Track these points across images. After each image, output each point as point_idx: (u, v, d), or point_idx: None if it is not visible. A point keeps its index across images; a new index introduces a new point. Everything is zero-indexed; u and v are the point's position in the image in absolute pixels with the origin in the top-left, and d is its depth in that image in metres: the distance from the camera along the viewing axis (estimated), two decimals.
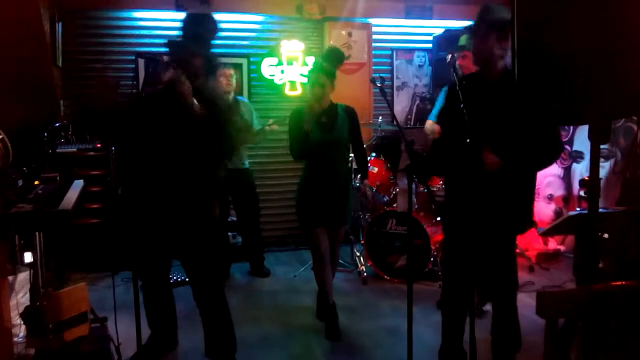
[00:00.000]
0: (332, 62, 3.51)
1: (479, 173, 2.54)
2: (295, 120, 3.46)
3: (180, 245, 2.98)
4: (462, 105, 2.50)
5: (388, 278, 4.61)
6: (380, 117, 5.20)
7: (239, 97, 4.84)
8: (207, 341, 3.07)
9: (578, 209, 4.84)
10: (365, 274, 4.68)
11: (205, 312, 3.03)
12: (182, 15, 2.95)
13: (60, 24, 4.81)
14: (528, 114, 2.54)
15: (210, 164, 2.94)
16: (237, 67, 5.19)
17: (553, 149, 2.67)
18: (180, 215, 2.91)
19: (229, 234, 5.14)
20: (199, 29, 2.86)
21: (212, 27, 2.91)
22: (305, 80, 5.68)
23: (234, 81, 4.56)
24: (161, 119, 2.82)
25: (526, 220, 2.83)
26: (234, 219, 5.05)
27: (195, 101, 2.76)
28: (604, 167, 4.82)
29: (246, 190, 4.81)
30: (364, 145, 3.81)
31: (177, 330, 3.31)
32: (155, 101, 2.89)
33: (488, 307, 3.74)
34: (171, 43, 2.89)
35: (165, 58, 2.82)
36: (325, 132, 3.45)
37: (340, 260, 4.84)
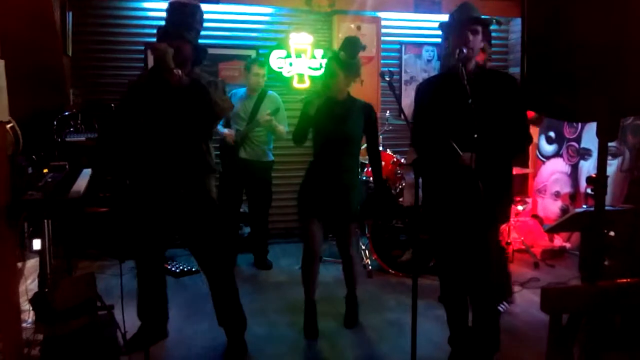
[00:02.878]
0: (348, 52, 3.32)
1: (461, 168, 2.60)
2: (306, 107, 3.34)
3: (181, 226, 3.02)
4: (470, 101, 2.52)
5: (393, 272, 4.62)
6: (388, 112, 5.20)
7: (269, 91, 4.86)
8: (219, 316, 3.17)
9: (585, 206, 4.83)
10: (370, 267, 4.70)
11: (216, 292, 3.10)
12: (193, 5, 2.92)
13: (70, 13, 4.83)
14: (513, 106, 2.62)
15: (199, 134, 2.94)
16: (245, 59, 5.19)
17: (523, 139, 2.75)
18: (174, 194, 2.93)
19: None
20: (188, 18, 2.85)
21: (200, 18, 2.92)
22: (313, 72, 5.68)
23: (264, 80, 4.79)
24: (150, 101, 2.85)
25: (502, 214, 2.83)
26: (246, 210, 5.08)
27: (179, 71, 2.74)
28: (612, 165, 4.80)
29: (261, 182, 4.84)
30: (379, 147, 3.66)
31: (167, 321, 3.33)
32: (143, 87, 2.91)
33: (501, 307, 3.77)
34: (160, 31, 2.89)
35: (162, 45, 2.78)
36: (336, 125, 3.34)
37: None
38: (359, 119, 3.38)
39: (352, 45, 3.32)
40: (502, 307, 3.77)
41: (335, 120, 3.33)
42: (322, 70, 3.41)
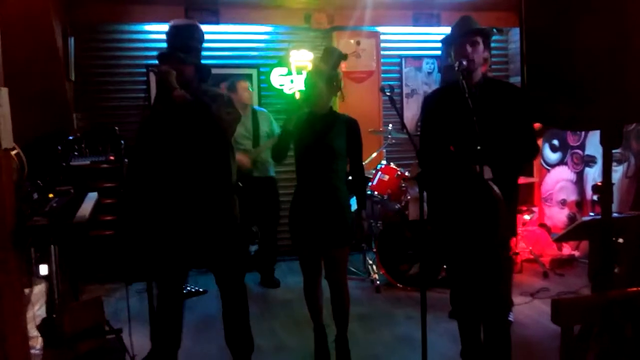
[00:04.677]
0: (328, 63, 3.14)
1: (472, 180, 2.56)
2: (286, 125, 3.16)
3: (205, 248, 2.99)
4: (472, 113, 2.52)
5: (401, 286, 4.59)
6: (390, 125, 5.21)
7: (256, 107, 4.90)
8: (228, 337, 3.13)
9: (592, 213, 4.80)
10: (378, 282, 4.67)
11: (228, 313, 3.07)
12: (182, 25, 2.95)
13: (72, 38, 4.88)
14: (520, 117, 2.61)
15: (215, 152, 2.93)
16: (247, 77, 5.23)
17: (531, 151, 2.75)
18: (200, 218, 2.92)
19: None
20: (189, 40, 2.88)
21: (200, 37, 2.95)
22: None
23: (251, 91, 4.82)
24: (166, 129, 2.86)
25: (509, 228, 2.77)
26: (255, 228, 5.09)
27: (181, 90, 2.75)
28: (617, 171, 4.78)
29: (269, 199, 4.85)
30: (364, 163, 3.45)
31: (179, 347, 3.29)
32: (152, 118, 2.92)
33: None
34: (162, 55, 2.92)
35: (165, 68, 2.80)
36: (316, 139, 3.10)
37: (352, 269, 4.85)
38: (341, 134, 3.15)
39: (331, 55, 3.17)
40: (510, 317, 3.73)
41: (317, 136, 3.11)
42: (303, 84, 3.27)
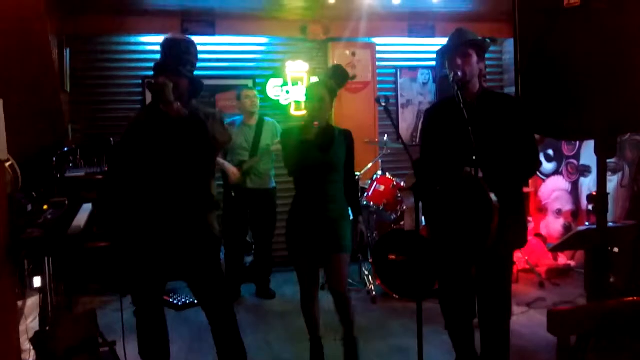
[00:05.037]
0: (336, 80, 3.28)
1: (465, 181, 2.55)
2: (288, 137, 3.23)
3: (182, 264, 2.98)
4: (468, 124, 2.53)
5: (397, 297, 4.58)
6: (386, 135, 5.22)
7: (266, 118, 4.90)
8: (219, 350, 3.08)
9: (587, 223, 4.81)
10: (374, 293, 4.65)
11: (216, 327, 3.04)
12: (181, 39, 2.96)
13: (68, 49, 4.89)
14: (520, 129, 2.61)
15: (200, 169, 2.92)
16: (243, 88, 5.24)
17: (533, 162, 2.73)
18: (177, 232, 2.91)
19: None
20: (183, 53, 2.88)
21: (196, 52, 2.95)
22: None
23: (257, 101, 4.77)
24: (150, 138, 2.85)
25: (518, 237, 2.77)
26: (250, 239, 5.07)
27: (178, 103, 2.75)
28: (612, 181, 4.79)
29: (265, 210, 4.84)
30: (358, 175, 3.54)
31: (169, 359, 3.27)
32: (142, 125, 2.92)
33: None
34: (159, 66, 2.92)
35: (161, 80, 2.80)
36: (320, 153, 3.17)
37: (349, 280, 4.82)
38: (341, 146, 3.24)
39: (342, 75, 3.30)
40: None
41: (319, 149, 3.18)
42: (306, 96, 3.30)
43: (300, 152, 3.15)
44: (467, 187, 2.57)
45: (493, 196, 2.42)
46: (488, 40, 2.79)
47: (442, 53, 2.82)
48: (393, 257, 4.58)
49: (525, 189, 5.38)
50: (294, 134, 3.18)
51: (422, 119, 2.95)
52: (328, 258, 3.21)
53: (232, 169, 4.65)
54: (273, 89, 5.68)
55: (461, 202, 2.60)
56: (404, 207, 4.78)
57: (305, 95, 3.29)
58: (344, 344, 3.35)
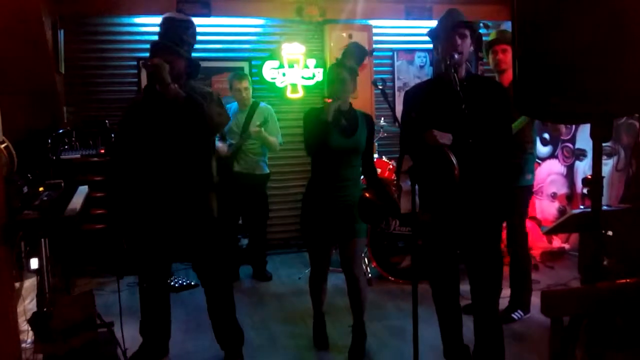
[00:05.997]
0: (354, 59, 3.21)
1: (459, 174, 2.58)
2: (312, 117, 3.14)
3: (183, 243, 3.02)
4: (463, 106, 2.53)
5: (393, 279, 4.61)
6: (382, 119, 5.21)
7: (261, 103, 4.86)
8: (216, 332, 3.17)
9: (582, 207, 4.84)
10: (370, 275, 4.68)
11: (214, 308, 3.10)
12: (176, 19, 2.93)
13: (62, 31, 4.84)
14: (500, 112, 2.64)
15: (198, 149, 2.94)
16: (239, 70, 5.21)
17: (507, 143, 2.77)
18: (177, 212, 2.94)
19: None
20: (182, 33, 2.86)
21: (194, 33, 2.94)
22: (306, 82, 5.69)
23: (249, 91, 4.75)
24: (149, 119, 2.87)
25: (503, 208, 2.88)
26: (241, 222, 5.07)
27: (175, 85, 2.74)
28: (607, 165, 4.81)
29: (256, 195, 4.83)
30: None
31: (169, 339, 3.30)
32: (140, 106, 2.92)
33: (516, 314, 3.76)
34: (156, 46, 2.90)
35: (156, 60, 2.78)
36: (344, 137, 3.15)
37: None
38: (363, 130, 3.22)
39: (360, 52, 3.26)
40: (516, 315, 3.75)
41: (343, 133, 3.16)
42: (327, 78, 3.23)
43: (323, 134, 3.08)
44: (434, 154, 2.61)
45: (452, 156, 2.55)
46: (481, 24, 2.78)
47: (435, 34, 2.77)
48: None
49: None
50: (317, 114, 3.12)
51: (404, 100, 2.90)
52: (344, 242, 3.26)
53: (219, 145, 4.65)
54: (269, 71, 5.64)
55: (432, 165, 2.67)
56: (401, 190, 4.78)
57: (326, 77, 3.24)
58: (353, 332, 3.38)
